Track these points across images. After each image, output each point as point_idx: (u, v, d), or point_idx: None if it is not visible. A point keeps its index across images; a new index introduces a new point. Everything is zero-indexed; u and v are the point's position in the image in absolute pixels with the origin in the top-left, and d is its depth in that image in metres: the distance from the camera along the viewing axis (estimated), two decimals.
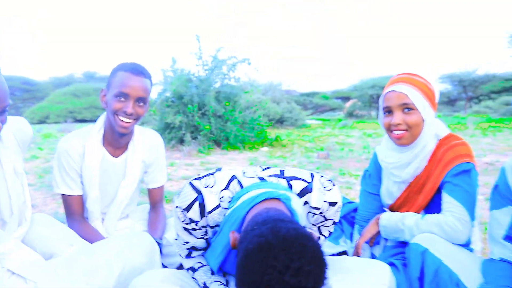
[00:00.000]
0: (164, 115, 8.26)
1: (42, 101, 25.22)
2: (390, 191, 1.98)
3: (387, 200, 2.01)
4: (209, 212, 1.39)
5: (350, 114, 22.68)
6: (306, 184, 1.44)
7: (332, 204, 1.46)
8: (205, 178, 1.43)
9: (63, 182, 2.05)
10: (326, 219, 1.51)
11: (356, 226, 2.13)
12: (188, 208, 1.39)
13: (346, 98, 28.42)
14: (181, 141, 8.08)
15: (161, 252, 1.96)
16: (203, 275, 1.54)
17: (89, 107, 22.34)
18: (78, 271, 1.62)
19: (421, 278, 1.55)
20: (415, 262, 1.57)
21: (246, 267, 1.00)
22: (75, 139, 2.06)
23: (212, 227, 1.44)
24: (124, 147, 2.14)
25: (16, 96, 30.16)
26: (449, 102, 30.27)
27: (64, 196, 2.08)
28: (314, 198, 1.44)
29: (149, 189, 2.32)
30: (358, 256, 1.90)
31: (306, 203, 1.44)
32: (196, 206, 1.39)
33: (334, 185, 1.48)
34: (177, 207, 1.42)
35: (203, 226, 1.44)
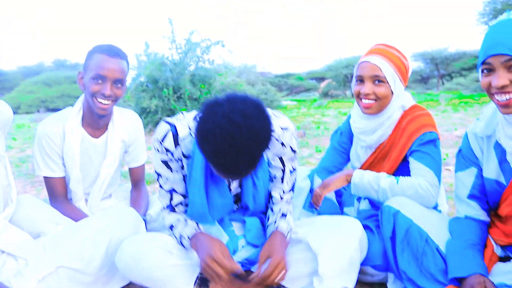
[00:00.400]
0: (139, 100, 8.18)
1: (11, 91, 24.48)
2: (358, 154, 2.10)
3: (355, 163, 2.13)
4: (182, 140, 1.57)
5: (325, 94, 22.85)
6: None
7: (285, 128, 1.64)
8: (175, 115, 1.63)
9: (45, 165, 2.08)
10: (283, 146, 1.65)
11: (315, 177, 2.21)
12: (163, 138, 1.57)
13: (320, 79, 28.53)
14: (157, 125, 8.06)
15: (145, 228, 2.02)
16: (179, 229, 1.65)
17: (61, 95, 21.79)
18: (66, 247, 1.67)
19: (393, 238, 1.66)
20: (387, 222, 1.67)
21: (199, 123, 1.26)
22: (54, 122, 2.08)
23: (186, 157, 1.61)
24: (104, 128, 2.18)
25: None
26: (422, 80, 30.68)
27: (47, 179, 2.10)
28: None
29: (130, 168, 2.37)
30: (317, 206, 1.96)
31: None
32: (170, 135, 1.57)
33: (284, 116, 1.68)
34: (155, 139, 1.60)
35: (179, 159, 1.62)
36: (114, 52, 1.99)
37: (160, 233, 1.77)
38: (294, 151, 1.69)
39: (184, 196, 1.71)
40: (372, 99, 1.89)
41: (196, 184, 1.58)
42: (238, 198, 1.80)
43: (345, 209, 2.16)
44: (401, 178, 1.79)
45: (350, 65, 23.03)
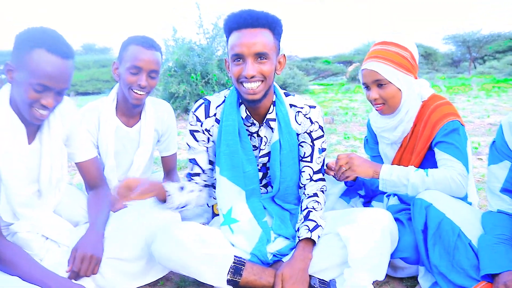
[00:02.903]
0: (167, 85, 8.26)
1: None
2: (385, 152, 2.11)
3: (385, 160, 2.13)
4: (217, 107, 1.83)
5: (353, 78, 22.46)
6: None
7: (312, 106, 1.87)
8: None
9: None
10: (312, 122, 1.85)
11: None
12: (196, 109, 1.84)
13: (348, 62, 28.08)
14: (186, 110, 8.12)
15: None
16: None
17: (90, 79, 22.07)
18: (105, 235, 1.73)
19: (424, 231, 1.66)
20: (419, 216, 1.67)
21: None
22: (89, 111, 2.14)
23: (218, 122, 1.83)
24: (137, 117, 2.22)
25: None
26: (452, 63, 29.86)
27: None
28: (296, 99, 1.88)
29: (162, 157, 2.42)
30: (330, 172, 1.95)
31: (291, 106, 1.85)
32: (202, 107, 1.84)
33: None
34: (190, 112, 1.85)
35: (206, 130, 1.83)
36: (149, 44, 2.03)
37: (194, 222, 1.81)
38: (322, 129, 1.85)
39: (203, 170, 1.89)
40: (381, 103, 1.92)
41: (229, 133, 1.77)
42: (264, 179, 1.94)
43: (374, 203, 2.17)
44: (430, 170, 1.78)
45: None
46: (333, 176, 1.96)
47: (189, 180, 1.91)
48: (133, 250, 1.72)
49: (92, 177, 1.92)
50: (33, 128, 1.68)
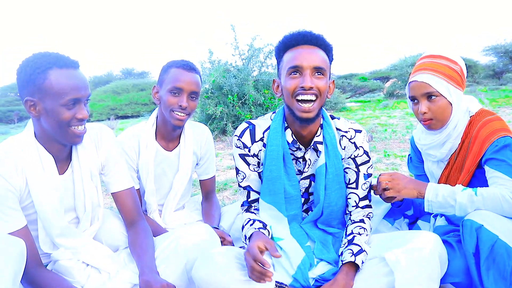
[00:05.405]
0: (205, 107, 8.37)
1: None
2: (431, 171, 2.03)
3: (431, 179, 2.06)
4: (264, 131, 1.81)
5: (390, 94, 22.11)
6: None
7: (358, 131, 1.83)
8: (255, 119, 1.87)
9: None
10: (357, 147, 1.80)
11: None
12: (241, 135, 1.82)
13: (385, 78, 27.74)
14: (224, 132, 8.20)
15: None
16: (245, 230, 1.75)
17: (129, 103, 22.65)
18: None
19: (476, 254, 1.56)
20: (469, 238, 1.58)
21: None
22: (129, 137, 2.17)
23: (265, 147, 1.79)
24: (176, 141, 2.24)
25: None
26: (494, 75, 28.96)
27: None
28: (341, 123, 1.84)
29: (201, 180, 2.41)
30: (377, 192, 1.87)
31: (336, 129, 1.81)
32: (247, 132, 1.82)
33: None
34: (234, 136, 1.83)
35: (255, 155, 1.81)
36: (189, 67, 2.08)
37: (234, 247, 1.78)
38: (367, 154, 1.82)
39: (259, 193, 1.83)
40: (429, 118, 1.85)
41: (273, 159, 1.75)
42: (306, 204, 1.88)
43: (420, 223, 2.08)
44: (479, 189, 1.69)
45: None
46: (379, 196, 1.89)
47: (248, 207, 1.87)
48: (170, 276, 1.69)
49: (128, 210, 1.87)
50: (64, 158, 1.71)
